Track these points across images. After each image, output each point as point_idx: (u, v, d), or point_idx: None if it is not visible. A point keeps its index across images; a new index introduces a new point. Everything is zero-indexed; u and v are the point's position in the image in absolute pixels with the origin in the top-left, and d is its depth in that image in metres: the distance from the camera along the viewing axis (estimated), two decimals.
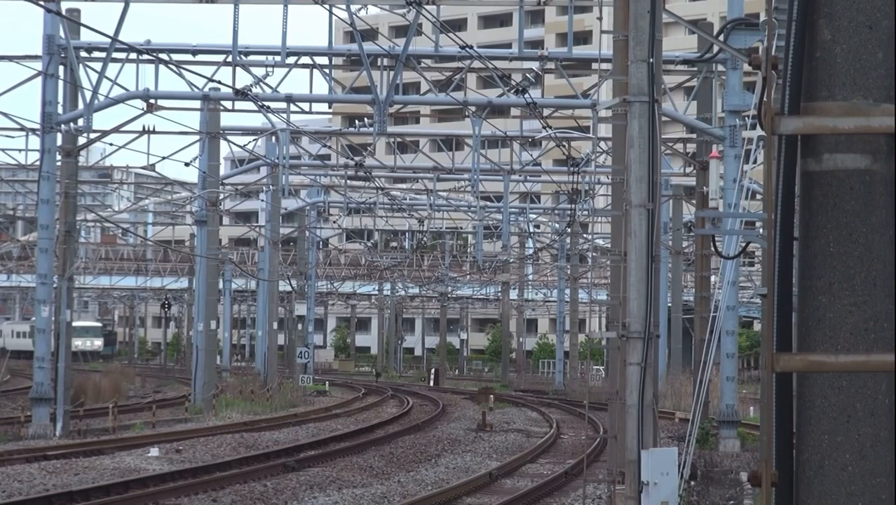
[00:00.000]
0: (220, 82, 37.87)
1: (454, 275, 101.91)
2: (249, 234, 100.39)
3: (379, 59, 40.05)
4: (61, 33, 38.35)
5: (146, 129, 44.77)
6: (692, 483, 24.36)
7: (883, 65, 7.48)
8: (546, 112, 43.28)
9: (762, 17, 31.81)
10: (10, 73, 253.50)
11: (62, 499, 23.12)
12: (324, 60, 39.97)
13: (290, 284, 73.74)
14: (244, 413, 48.05)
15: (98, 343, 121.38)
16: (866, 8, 7.47)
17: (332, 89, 41.12)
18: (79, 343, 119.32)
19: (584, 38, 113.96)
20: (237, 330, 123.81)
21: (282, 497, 24.75)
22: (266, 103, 40.04)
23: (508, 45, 76.95)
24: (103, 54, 38.71)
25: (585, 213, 53.32)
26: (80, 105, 38.82)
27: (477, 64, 39.69)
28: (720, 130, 37.24)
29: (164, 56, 39.19)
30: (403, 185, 73.29)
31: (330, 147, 67.08)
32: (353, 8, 38.01)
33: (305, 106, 41.11)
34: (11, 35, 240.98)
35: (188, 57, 39.83)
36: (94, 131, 41.07)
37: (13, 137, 53.81)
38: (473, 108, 45.11)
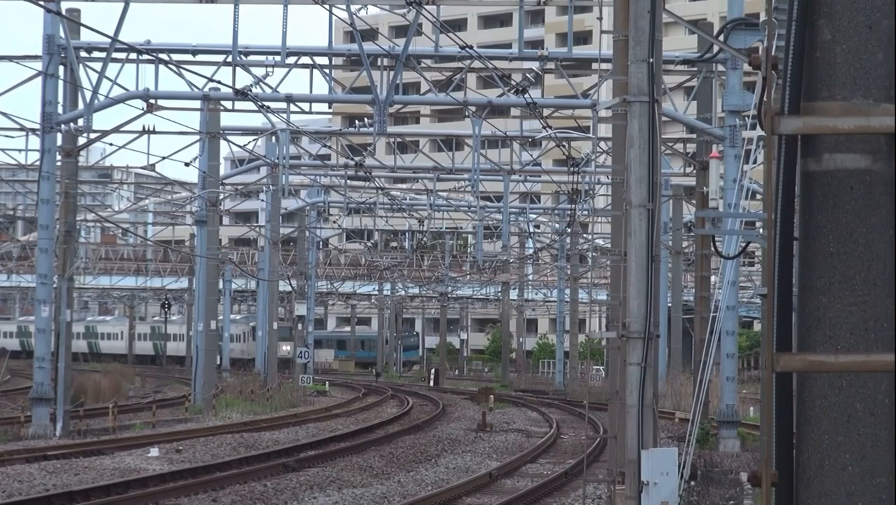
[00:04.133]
0: (220, 82, 37.86)
1: (454, 275, 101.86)
2: (249, 234, 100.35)
3: (379, 59, 40.03)
4: (61, 33, 38.33)
5: (146, 129, 44.75)
6: (692, 483, 24.36)
7: (883, 65, 7.48)
8: (546, 112, 43.23)
9: (762, 17, 31.80)
10: (10, 73, 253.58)
11: (62, 499, 23.11)
12: (324, 60, 39.96)
13: (290, 284, 73.73)
14: (244, 413, 48.02)
15: (286, 348, 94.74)
16: (866, 8, 7.46)
17: (332, 89, 41.11)
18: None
19: (584, 38, 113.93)
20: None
21: (282, 497, 24.73)
22: (266, 103, 40.03)
23: (508, 45, 76.91)
24: (103, 54, 38.69)
25: (585, 213, 53.29)
26: (80, 105, 38.81)
27: (477, 64, 39.66)
28: (720, 130, 37.22)
29: (164, 56, 39.17)
30: (403, 185, 73.27)
31: (330, 147, 67.07)
32: (353, 8, 38.00)
33: (305, 106, 41.10)
34: (11, 35, 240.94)
35: (188, 57, 39.82)
36: (94, 131, 41.06)
37: (13, 137, 53.85)
38: (473, 108, 45.08)
